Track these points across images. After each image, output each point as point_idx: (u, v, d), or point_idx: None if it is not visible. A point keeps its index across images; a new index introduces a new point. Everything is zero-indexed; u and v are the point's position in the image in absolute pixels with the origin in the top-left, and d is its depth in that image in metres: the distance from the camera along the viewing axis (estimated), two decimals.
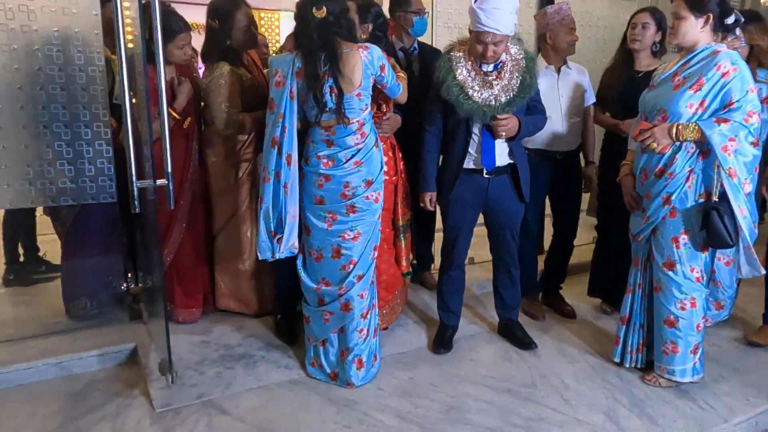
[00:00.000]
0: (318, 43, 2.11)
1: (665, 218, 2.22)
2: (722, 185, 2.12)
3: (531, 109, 2.49)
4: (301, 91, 2.17)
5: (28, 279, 3.35)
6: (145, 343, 2.58)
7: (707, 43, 2.15)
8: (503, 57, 2.39)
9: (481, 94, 2.36)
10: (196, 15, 3.40)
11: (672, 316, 2.28)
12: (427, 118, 2.55)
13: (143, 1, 2.03)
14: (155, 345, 2.52)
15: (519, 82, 2.37)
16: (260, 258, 2.30)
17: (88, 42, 2.44)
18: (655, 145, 2.15)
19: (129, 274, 2.98)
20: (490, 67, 2.39)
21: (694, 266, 2.24)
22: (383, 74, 2.25)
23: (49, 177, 2.46)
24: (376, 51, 2.21)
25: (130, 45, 2.30)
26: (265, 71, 2.90)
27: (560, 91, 2.88)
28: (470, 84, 2.37)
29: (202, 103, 2.76)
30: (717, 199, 2.12)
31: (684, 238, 2.21)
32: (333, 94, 2.14)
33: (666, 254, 2.25)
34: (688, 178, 2.16)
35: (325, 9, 2.09)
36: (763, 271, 2.26)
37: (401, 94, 2.43)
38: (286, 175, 2.20)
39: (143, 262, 2.71)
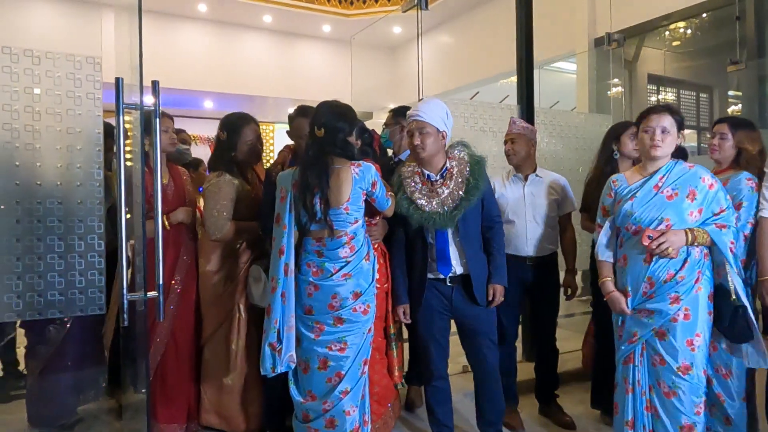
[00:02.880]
0: (313, 158, 2.23)
1: (677, 320, 2.21)
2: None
3: (485, 211, 2.55)
4: (296, 202, 2.25)
5: (4, 395, 3.22)
6: None
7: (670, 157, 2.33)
8: (448, 164, 2.49)
9: (430, 202, 2.45)
10: (196, 128, 3.57)
11: (689, 422, 2.21)
12: (391, 233, 2.62)
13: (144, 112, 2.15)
14: None
15: (465, 185, 2.45)
16: (262, 373, 2.25)
17: (90, 158, 2.52)
18: (671, 249, 2.19)
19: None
20: (437, 176, 2.49)
21: (704, 368, 2.25)
22: (374, 190, 2.32)
23: (38, 289, 2.44)
24: (369, 169, 2.30)
25: (129, 156, 2.39)
26: None
27: (526, 199, 3.00)
28: (417, 195, 2.47)
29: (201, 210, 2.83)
30: (735, 297, 2.22)
31: (698, 341, 2.21)
32: (321, 206, 2.22)
33: (680, 358, 2.21)
34: (697, 279, 2.23)
35: (323, 130, 2.26)
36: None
37: (389, 208, 2.49)
38: (283, 285, 2.23)
39: (129, 375, 2.62)
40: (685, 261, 2.22)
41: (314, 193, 2.21)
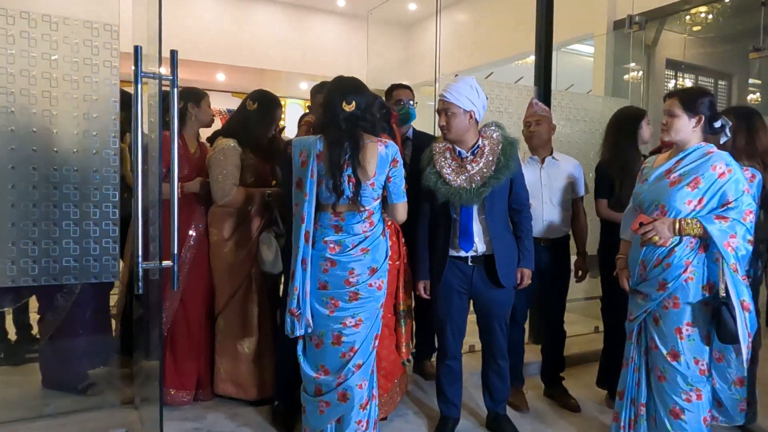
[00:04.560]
0: (345, 134, 2.20)
1: (667, 307, 2.23)
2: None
3: (513, 193, 2.55)
4: (320, 174, 2.23)
5: (19, 358, 3.28)
6: (136, 429, 2.49)
7: (698, 143, 2.25)
8: (480, 142, 2.49)
9: (458, 177, 2.44)
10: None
11: (677, 407, 2.24)
12: (417, 207, 2.61)
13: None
14: None
15: (495, 164, 2.45)
16: (285, 333, 2.27)
17: (106, 126, 2.53)
18: (657, 238, 2.19)
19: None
20: (468, 153, 2.48)
21: (699, 358, 2.22)
22: (394, 167, 2.28)
23: (54, 255, 2.46)
24: (394, 147, 2.28)
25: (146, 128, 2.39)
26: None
27: (543, 180, 2.99)
28: (446, 170, 2.47)
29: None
30: (725, 294, 2.15)
31: (688, 330, 2.21)
32: (351, 183, 2.20)
33: (670, 345, 2.24)
34: (685, 270, 2.19)
35: (354, 104, 2.21)
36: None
37: (400, 205, 2.33)
38: (304, 252, 2.22)
39: (141, 342, 2.66)
40: (671, 249, 2.20)
41: (343, 170, 2.18)
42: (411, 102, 3.18)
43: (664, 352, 2.25)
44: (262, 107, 2.82)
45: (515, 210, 2.58)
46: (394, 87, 3.26)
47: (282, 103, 3.00)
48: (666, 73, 6.51)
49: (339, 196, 2.21)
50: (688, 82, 6.70)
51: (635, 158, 2.90)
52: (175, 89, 2.08)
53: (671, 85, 6.51)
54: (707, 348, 2.23)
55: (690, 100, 2.23)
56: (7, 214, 2.37)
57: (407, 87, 3.27)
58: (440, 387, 2.67)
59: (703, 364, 2.23)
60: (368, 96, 2.28)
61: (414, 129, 3.25)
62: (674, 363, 2.23)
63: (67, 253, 2.49)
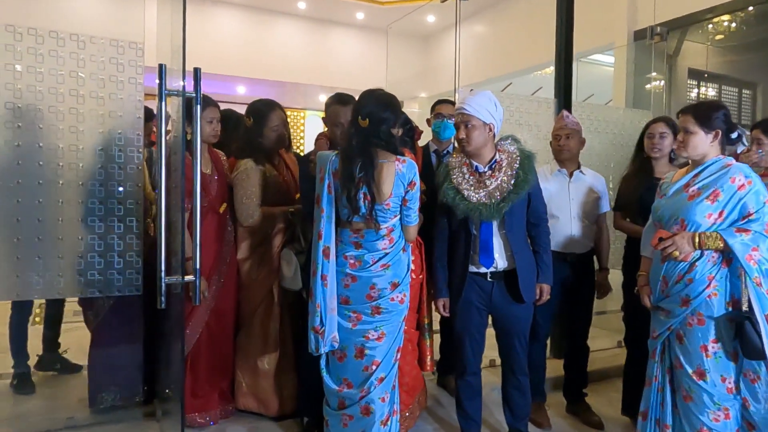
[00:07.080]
0: (356, 149, 2.20)
1: (692, 324, 2.18)
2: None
3: (532, 207, 2.51)
4: (336, 190, 2.24)
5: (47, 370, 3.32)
6: None
7: (716, 155, 2.22)
8: (497, 156, 2.46)
9: (477, 193, 2.41)
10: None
11: (705, 428, 2.17)
12: (435, 224, 2.60)
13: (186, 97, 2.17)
14: None
15: (514, 178, 2.42)
16: (308, 351, 2.27)
17: (129, 141, 2.57)
18: (677, 253, 2.15)
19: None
20: (485, 168, 2.45)
21: (726, 376, 2.16)
22: (410, 189, 2.26)
23: (79, 269, 2.50)
24: (413, 167, 2.26)
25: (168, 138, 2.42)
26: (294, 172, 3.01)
27: (571, 195, 2.96)
28: (465, 186, 2.44)
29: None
30: (747, 309, 2.10)
31: (714, 347, 2.16)
32: (366, 201, 2.19)
33: (695, 363, 2.18)
34: (708, 285, 2.15)
35: (368, 120, 2.20)
36: None
37: (412, 227, 2.33)
38: (324, 268, 2.22)
39: (163, 357, 2.68)
40: (693, 264, 2.16)
41: (359, 188, 2.18)
42: (450, 117, 3.15)
43: (690, 370, 2.19)
44: (256, 119, 2.80)
45: (533, 224, 2.55)
46: (438, 102, 3.26)
47: (281, 106, 2.92)
48: (688, 82, 6.43)
49: (354, 213, 2.21)
50: (712, 92, 6.61)
51: (641, 170, 2.89)
52: (198, 105, 2.11)
53: (693, 94, 6.42)
54: (734, 365, 2.17)
55: (705, 116, 2.20)
56: (34, 229, 2.41)
57: (450, 102, 3.25)
58: (460, 402, 2.64)
59: (730, 382, 2.17)
60: (389, 112, 2.23)
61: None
62: (700, 382, 2.17)
63: (91, 266, 2.52)
